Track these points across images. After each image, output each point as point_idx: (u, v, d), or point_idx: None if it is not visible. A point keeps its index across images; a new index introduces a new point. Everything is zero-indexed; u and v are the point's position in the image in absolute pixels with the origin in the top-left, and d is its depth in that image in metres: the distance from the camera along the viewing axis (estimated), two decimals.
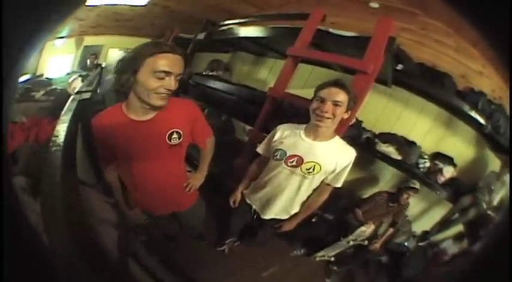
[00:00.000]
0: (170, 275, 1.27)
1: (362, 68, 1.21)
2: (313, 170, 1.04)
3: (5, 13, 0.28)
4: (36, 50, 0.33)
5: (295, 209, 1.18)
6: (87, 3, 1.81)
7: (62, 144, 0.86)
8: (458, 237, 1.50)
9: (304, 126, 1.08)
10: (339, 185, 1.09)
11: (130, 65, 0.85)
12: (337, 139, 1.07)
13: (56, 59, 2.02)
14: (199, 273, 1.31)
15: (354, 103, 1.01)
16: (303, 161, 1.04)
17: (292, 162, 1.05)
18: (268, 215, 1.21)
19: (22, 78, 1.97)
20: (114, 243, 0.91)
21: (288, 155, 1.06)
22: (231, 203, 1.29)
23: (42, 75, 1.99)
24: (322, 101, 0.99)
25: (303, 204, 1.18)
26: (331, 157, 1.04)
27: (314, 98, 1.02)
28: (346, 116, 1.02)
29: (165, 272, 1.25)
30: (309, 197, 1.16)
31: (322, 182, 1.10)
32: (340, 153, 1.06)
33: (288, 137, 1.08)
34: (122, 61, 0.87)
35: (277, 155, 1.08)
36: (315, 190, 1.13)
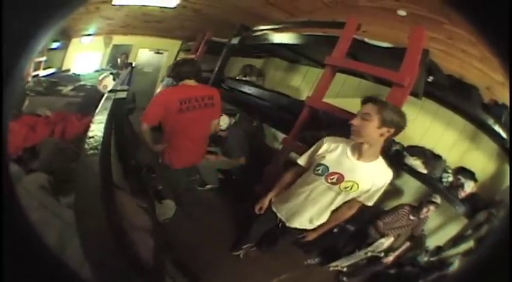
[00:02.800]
0: (180, 275, 1.26)
1: (399, 80, 1.20)
2: (351, 188, 1.03)
3: (5, 13, 0.29)
4: (36, 50, 0.33)
5: (322, 220, 1.17)
6: (113, 3, 1.83)
7: (99, 147, 0.84)
8: (467, 254, 1.48)
9: (350, 141, 1.04)
10: (371, 203, 1.08)
11: None
12: (380, 160, 1.05)
13: (83, 56, 2.02)
14: (210, 276, 1.31)
15: None
16: (343, 179, 1.03)
17: (333, 179, 1.04)
18: (293, 224, 1.19)
19: (46, 72, 1.97)
20: (150, 251, 0.88)
21: (330, 171, 1.04)
22: (257, 210, 1.26)
23: (68, 70, 2.00)
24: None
25: (329, 215, 1.16)
26: (370, 178, 1.03)
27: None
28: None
29: (176, 272, 1.25)
30: (336, 209, 1.14)
31: (354, 198, 1.08)
32: (378, 174, 1.04)
33: (333, 151, 1.06)
34: None
35: (318, 170, 1.06)
36: (344, 203, 1.12)
